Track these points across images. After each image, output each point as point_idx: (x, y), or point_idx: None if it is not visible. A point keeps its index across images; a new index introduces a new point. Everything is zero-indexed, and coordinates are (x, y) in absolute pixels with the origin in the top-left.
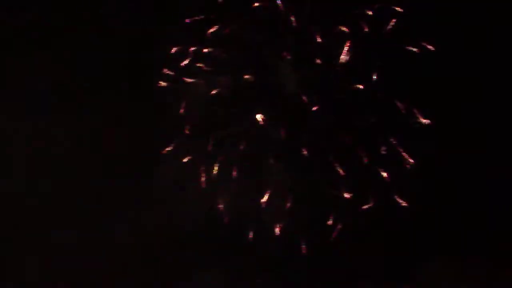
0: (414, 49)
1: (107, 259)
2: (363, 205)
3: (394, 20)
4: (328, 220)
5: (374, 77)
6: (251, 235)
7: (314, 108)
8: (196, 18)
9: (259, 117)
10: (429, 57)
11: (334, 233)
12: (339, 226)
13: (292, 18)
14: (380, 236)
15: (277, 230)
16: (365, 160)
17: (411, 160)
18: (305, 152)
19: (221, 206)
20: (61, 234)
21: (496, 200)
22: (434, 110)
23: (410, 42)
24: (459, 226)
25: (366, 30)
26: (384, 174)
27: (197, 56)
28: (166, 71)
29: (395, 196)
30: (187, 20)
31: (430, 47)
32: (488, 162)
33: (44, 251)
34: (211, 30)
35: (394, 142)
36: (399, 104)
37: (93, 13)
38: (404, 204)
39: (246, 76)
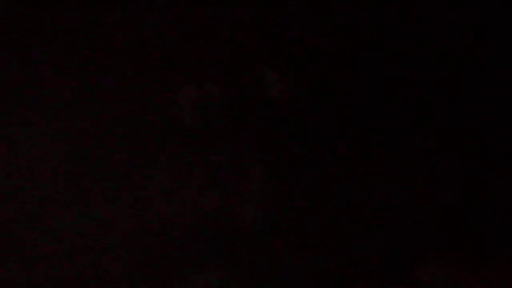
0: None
1: (103, 259)
2: (357, 213)
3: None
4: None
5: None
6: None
7: (300, 116)
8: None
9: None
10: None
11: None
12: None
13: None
14: (378, 235)
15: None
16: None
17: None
18: (289, 160)
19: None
20: (54, 235)
21: (495, 199)
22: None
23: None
24: (459, 226)
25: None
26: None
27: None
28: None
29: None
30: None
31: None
32: (487, 161)
33: (34, 250)
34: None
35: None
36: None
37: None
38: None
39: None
